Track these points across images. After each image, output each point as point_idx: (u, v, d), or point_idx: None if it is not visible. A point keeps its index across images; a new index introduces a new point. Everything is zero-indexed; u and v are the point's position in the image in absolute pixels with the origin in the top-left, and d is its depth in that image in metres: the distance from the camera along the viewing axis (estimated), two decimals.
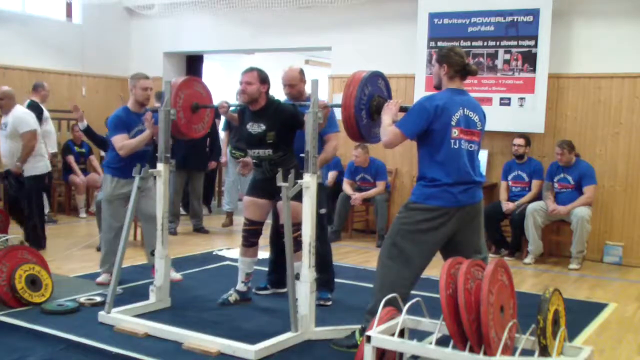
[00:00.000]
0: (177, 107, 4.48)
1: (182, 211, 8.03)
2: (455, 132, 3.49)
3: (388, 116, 3.59)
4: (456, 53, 3.59)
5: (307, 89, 4.49)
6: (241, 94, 4.44)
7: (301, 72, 4.69)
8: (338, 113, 4.20)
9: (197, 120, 4.72)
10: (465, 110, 3.55)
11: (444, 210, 3.49)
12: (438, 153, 3.49)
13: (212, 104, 4.76)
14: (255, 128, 4.44)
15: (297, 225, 4.06)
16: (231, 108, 4.71)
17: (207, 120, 4.84)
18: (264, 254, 5.69)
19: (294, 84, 4.63)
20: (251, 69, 4.45)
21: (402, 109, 3.67)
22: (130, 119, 4.95)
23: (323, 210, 4.68)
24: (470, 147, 3.57)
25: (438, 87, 3.69)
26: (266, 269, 5.13)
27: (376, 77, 3.85)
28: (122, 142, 4.87)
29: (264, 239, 5.13)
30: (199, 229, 7.72)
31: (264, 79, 4.43)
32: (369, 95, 3.73)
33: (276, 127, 4.29)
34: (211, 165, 8.02)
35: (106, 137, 5.65)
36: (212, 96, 4.83)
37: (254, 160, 4.52)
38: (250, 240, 4.56)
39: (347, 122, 3.70)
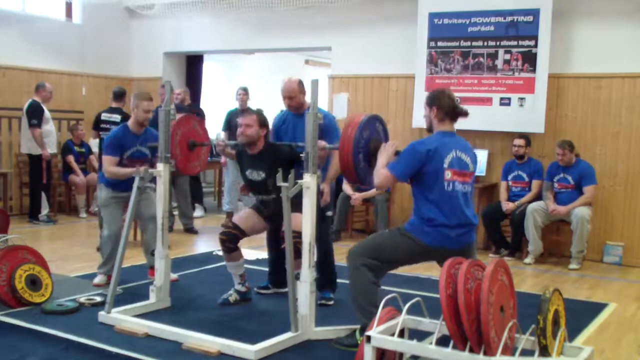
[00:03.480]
0: (174, 145, 4.52)
1: (175, 211, 7.98)
2: (448, 174, 3.54)
3: (383, 158, 3.65)
4: (446, 96, 3.65)
5: (307, 98, 4.50)
6: (240, 136, 4.50)
7: (300, 83, 4.69)
8: (338, 132, 4.21)
9: (194, 157, 4.78)
10: (457, 152, 3.60)
11: (436, 249, 3.56)
12: (432, 194, 3.54)
13: (208, 141, 4.88)
14: (255, 176, 4.54)
15: (297, 233, 4.06)
16: (228, 145, 4.81)
17: (203, 157, 4.90)
18: (263, 253, 5.70)
19: (292, 95, 4.63)
20: (251, 112, 4.53)
21: (397, 153, 3.74)
22: (127, 140, 4.93)
23: (329, 213, 4.71)
24: (464, 188, 3.62)
25: (429, 129, 3.74)
26: (266, 268, 5.13)
27: (374, 121, 3.87)
28: (109, 167, 4.88)
29: (262, 240, 5.14)
30: (189, 229, 7.69)
31: (263, 123, 4.50)
32: (366, 139, 3.77)
33: (276, 173, 4.26)
34: None
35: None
36: (207, 132, 4.94)
37: (260, 199, 4.63)
38: (227, 245, 4.55)
39: (344, 166, 3.74)
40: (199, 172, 5.20)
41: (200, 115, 8.18)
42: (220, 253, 4.70)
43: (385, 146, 3.70)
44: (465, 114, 3.71)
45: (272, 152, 4.48)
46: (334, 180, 4.50)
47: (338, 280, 4.89)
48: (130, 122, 5.03)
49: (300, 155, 3.95)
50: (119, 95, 7.61)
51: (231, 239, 4.55)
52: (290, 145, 4.48)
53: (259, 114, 4.54)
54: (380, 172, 3.59)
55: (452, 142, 3.62)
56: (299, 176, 3.92)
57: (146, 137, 4.99)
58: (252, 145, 4.51)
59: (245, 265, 4.79)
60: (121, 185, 4.92)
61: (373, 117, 3.87)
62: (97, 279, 5.07)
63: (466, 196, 3.62)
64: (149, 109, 4.96)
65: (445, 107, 3.62)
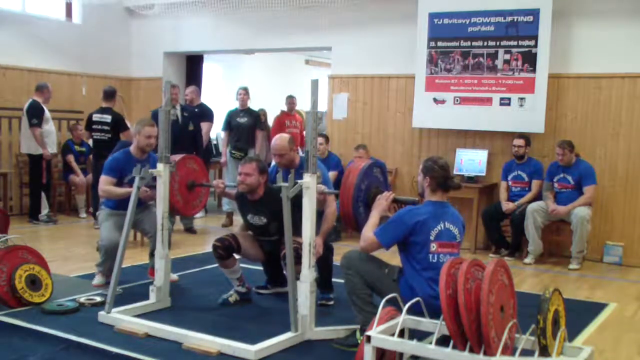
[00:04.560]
0: (174, 189, 4.56)
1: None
2: (434, 247, 3.56)
3: (377, 212, 3.72)
4: (440, 166, 3.67)
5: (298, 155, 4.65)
6: (240, 185, 4.53)
7: (290, 140, 4.67)
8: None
9: (194, 197, 4.84)
10: (446, 224, 3.62)
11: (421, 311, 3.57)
12: (417, 263, 3.58)
13: (207, 180, 4.94)
14: (256, 220, 4.58)
15: (298, 243, 4.06)
16: (227, 187, 4.85)
17: (202, 195, 4.94)
18: None
19: (283, 153, 4.62)
20: (250, 160, 4.54)
21: (395, 201, 3.80)
22: (128, 165, 4.89)
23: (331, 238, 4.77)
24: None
25: (422, 195, 3.78)
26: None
27: (372, 168, 3.92)
28: (106, 186, 4.90)
29: None
30: (189, 229, 7.70)
31: (262, 170, 4.52)
32: (365, 188, 3.81)
33: (277, 218, 4.24)
34: None
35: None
36: (205, 168, 5.02)
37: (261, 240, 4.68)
38: (219, 252, 4.56)
39: (344, 211, 3.79)
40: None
41: (209, 114, 8.19)
42: None
43: (380, 199, 3.76)
44: (457, 187, 3.76)
45: (273, 197, 4.41)
46: (325, 236, 4.49)
47: (337, 280, 4.88)
48: (132, 148, 5.05)
49: (300, 198, 3.94)
50: (110, 95, 7.63)
51: (225, 246, 4.56)
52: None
53: (258, 161, 4.56)
54: (367, 237, 3.64)
55: (442, 214, 3.64)
56: (299, 176, 3.92)
57: (148, 163, 4.93)
58: (252, 192, 4.54)
59: (245, 266, 4.80)
60: (120, 204, 4.86)
61: (371, 164, 3.92)
62: (97, 280, 5.05)
63: None
64: (150, 134, 4.94)
65: (437, 178, 3.65)
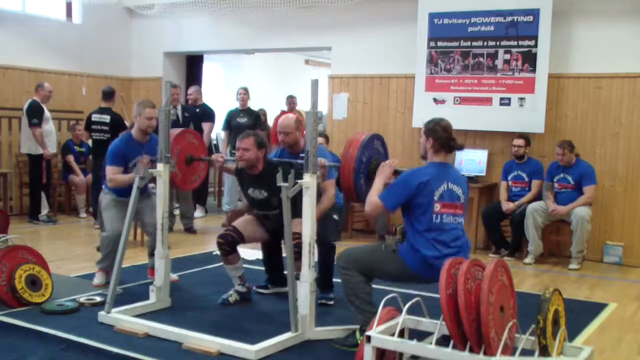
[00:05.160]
0: (172, 163, 4.52)
1: (176, 211, 8.00)
2: (437, 207, 3.56)
3: (380, 179, 3.70)
4: (443, 128, 3.67)
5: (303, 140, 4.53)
6: (239, 160, 4.50)
7: (297, 121, 4.66)
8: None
9: (193, 172, 4.81)
10: (449, 184, 3.63)
11: (423, 278, 3.64)
12: (420, 225, 3.58)
13: (206, 155, 4.88)
14: (257, 194, 4.55)
15: (297, 234, 4.06)
16: (226, 162, 4.84)
17: (201, 170, 4.91)
18: (261, 253, 5.69)
19: (288, 131, 4.60)
20: (247, 135, 4.51)
21: (396, 172, 3.79)
22: (130, 149, 4.89)
23: (336, 216, 4.75)
24: (455, 219, 3.64)
25: (424, 157, 3.78)
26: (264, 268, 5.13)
27: (373, 140, 3.90)
28: (112, 175, 4.86)
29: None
30: (188, 229, 7.69)
31: (260, 144, 4.50)
32: (367, 160, 3.80)
33: (278, 191, 4.19)
34: None
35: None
36: (204, 143, 4.97)
37: (262, 215, 4.64)
38: (224, 248, 4.56)
39: (345, 184, 3.78)
40: (198, 186, 5.19)
41: (210, 115, 8.18)
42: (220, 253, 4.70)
43: (384, 166, 3.75)
44: (460, 147, 3.77)
45: (273, 171, 4.41)
46: (320, 217, 4.46)
47: (337, 280, 4.88)
48: (133, 131, 5.01)
49: (301, 166, 3.95)
50: (109, 95, 7.63)
51: (228, 242, 4.55)
52: (290, 163, 4.45)
53: (256, 135, 4.53)
54: (372, 201, 3.63)
55: (445, 174, 3.64)
56: (299, 176, 3.92)
57: (150, 145, 4.92)
58: (252, 167, 4.53)
59: (245, 266, 4.80)
60: (125, 192, 4.83)
61: (372, 136, 3.90)
62: (97, 279, 5.04)
63: (456, 227, 3.64)
64: (151, 116, 4.90)
65: (440, 139, 3.65)
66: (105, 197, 5.07)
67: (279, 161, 4.59)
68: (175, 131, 4.65)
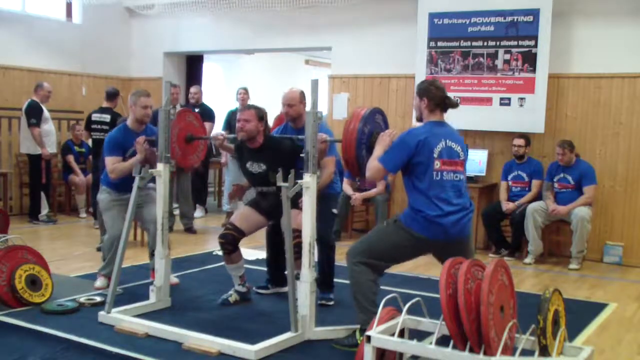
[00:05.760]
0: (173, 141, 4.51)
1: (176, 211, 8.00)
2: (437, 164, 3.56)
3: (380, 147, 3.66)
4: (436, 87, 3.67)
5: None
6: (239, 132, 4.48)
7: (302, 94, 4.66)
8: (338, 128, 4.21)
9: (192, 150, 4.77)
10: (448, 141, 3.62)
11: (431, 241, 3.58)
12: (421, 183, 3.57)
13: (205, 134, 4.85)
14: (255, 168, 4.52)
15: (297, 232, 4.05)
16: (227, 139, 4.78)
17: (201, 150, 4.89)
18: (263, 253, 5.69)
19: (292, 104, 4.60)
20: (248, 107, 4.50)
21: None
22: (127, 139, 4.87)
23: (335, 210, 4.73)
24: (455, 177, 3.63)
25: (419, 119, 3.76)
26: (266, 268, 5.13)
27: (374, 114, 3.89)
28: (113, 165, 4.81)
29: (263, 239, 5.14)
30: (188, 229, 7.69)
31: (261, 117, 4.48)
32: (368, 133, 3.78)
33: (277, 166, 4.22)
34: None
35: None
36: (204, 124, 4.92)
37: (259, 191, 4.59)
38: (227, 247, 4.55)
39: (346, 158, 3.76)
40: (198, 165, 5.15)
41: (210, 114, 8.19)
42: (221, 253, 4.69)
43: (383, 135, 3.71)
44: (455, 105, 3.73)
45: (273, 145, 4.46)
46: (321, 189, 4.45)
47: (337, 280, 4.89)
48: (129, 121, 4.98)
49: (302, 148, 3.93)
50: (112, 96, 7.62)
51: (229, 241, 4.55)
52: (291, 139, 4.46)
53: (257, 108, 4.50)
54: (372, 165, 3.60)
55: (442, 132, 3.63)
56: (299, 176, 3.92)
57: (146, 133, 4.90)
58: (252, 140, 4.49)
59: (245, 265, 4.79)
60: (124, 186, 4.80)
61: (373, 110, 3.87)
62: (98, 282, 5.01)
63: (457, 185, 3.62)
64: (147, 105, 4.88)
65: (436, 98, 3.64)
66: (103, 198, 5.00)
67: (280, 136, 4.58)
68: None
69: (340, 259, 4.74)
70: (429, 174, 3.54)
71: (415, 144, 3.54)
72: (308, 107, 3.97)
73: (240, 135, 4.48)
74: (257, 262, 5.96)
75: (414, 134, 3.60)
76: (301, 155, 3.93)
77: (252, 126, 4.43)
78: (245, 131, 4.43)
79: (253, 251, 6.28)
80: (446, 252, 3.46)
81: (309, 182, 3.85)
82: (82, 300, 4.55)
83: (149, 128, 4.99)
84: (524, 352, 2.95)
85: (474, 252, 3.85)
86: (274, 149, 4.39)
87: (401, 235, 3.62)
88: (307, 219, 3.88)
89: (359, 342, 3.52)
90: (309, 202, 3.87)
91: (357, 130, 3.69)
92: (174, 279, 5.02)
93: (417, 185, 3.57)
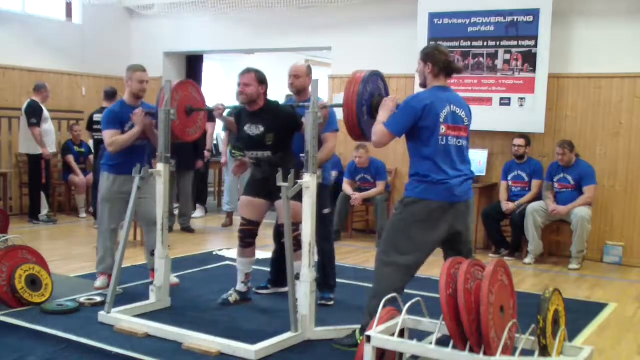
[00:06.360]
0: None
1: (176, 211, 7.99)
2: (442, 129, 3.54)
3: (384, 112, 3.64)
4: (440, 52, 3.64)
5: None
6: (239, 95, 4.44)
7: (309, 67, 4.69)
8: (338, 113, 4.20)
9: (191, 123, 4.75)
10: (452, 106, 3.60)
11: (438, 204, 3.54)
12: (426, 149, 3.55)
13: (205, 106, 4.80)
14: (253, 130, 4.44)
15: (296, 225, 4.06)
16: (227, 111, 4.71)
17: (200, 124, 4.87)
18: (264, 253, 5.70)
19: (299, 75, 4.62)
20: (249, 70, 4.45)
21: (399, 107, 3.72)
22: (124, 113, 4.85)
23: (326, 210, 4.69)
24: (459, 142, 3.63)
25: (423, 85, 3.73)
26: (266, 268, 5.13)
27: (376, 77, 3.88)
28: (112, 138, 4.78)
29: (265, 239, 5.14)
30: (185, 228, 7.68)
31: (262, 80, 4.43)
32: (369, 94, 3.76)
33: (275, 129, 4.27)
34: (198, 164, 7.94)
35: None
36: (205, 100, 4.87)
37: (253, 161, 4.52)
38: (246, 241, 4.56)
39: (349, 120, 3.73)
40: (197, 138, 5.10)
41: (212, 115, 8.15)
42: (220, 253, 4.70)
43: (386, 100, 3.70)
44: (459, 70, 3.73)
45: (273, 109, 4.42)
46: (319, 166, 4.38)
47: (338, 280, 4.89)
48: (125, 96, 4.96)
49: (302, 117, 3.92)
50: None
51: (248, 234, 4.54)
52: (292, 106, 4.46)
53: (257, 71, 4.46)
54: (378, 129, 3.58)
55: (447, 97, 3.62)
56: (299, 176, 3.92)
57: (143, 106, 4.88)
58: (252, 103, 4.43)
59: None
60: (124, 167, 4.74)
61: (375, 73, 3.87)
62: (98, 282, 4.98)
63: (461, 150, 3.63)
64: (143, 79, 4.87)
65: (440, 62, 3.61)
66: (105, 186, 4.92)
67: (282, 104, 4.58)
68: (177, 80, 4.61)
69: (341, 259, 4.75)
70: (434, 139, 3.53)
71: (422, 108, 3.51)
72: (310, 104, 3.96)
73: (241, 99, 4.43)
74: (257, 262, 5.95)
75: (419, 98, 3.57)
76: (300, 122, 3.97)
77: (252, 90, 4.38)
78: (246, 94, 4.38)
79: (256, 251, 6.27)
80: (454, 218, 3.52)
81: (309, 182, 3.85)
82: (82, 300, 4.55)
83: (145, 105, 4.95)
84: (524, 352, 2.96)
85: (472, 250, 3.82)
86: (273, 112, 4.35)
87: (415, 208, 3.55)
88: (307, 219, 3.88)
89: (358, 342, 3.52)
90: (309, 202, 3.87)
91: (358, 93, 3.67)
92: (174, 279, 5.00)
93: (422, 151, 3.56)
